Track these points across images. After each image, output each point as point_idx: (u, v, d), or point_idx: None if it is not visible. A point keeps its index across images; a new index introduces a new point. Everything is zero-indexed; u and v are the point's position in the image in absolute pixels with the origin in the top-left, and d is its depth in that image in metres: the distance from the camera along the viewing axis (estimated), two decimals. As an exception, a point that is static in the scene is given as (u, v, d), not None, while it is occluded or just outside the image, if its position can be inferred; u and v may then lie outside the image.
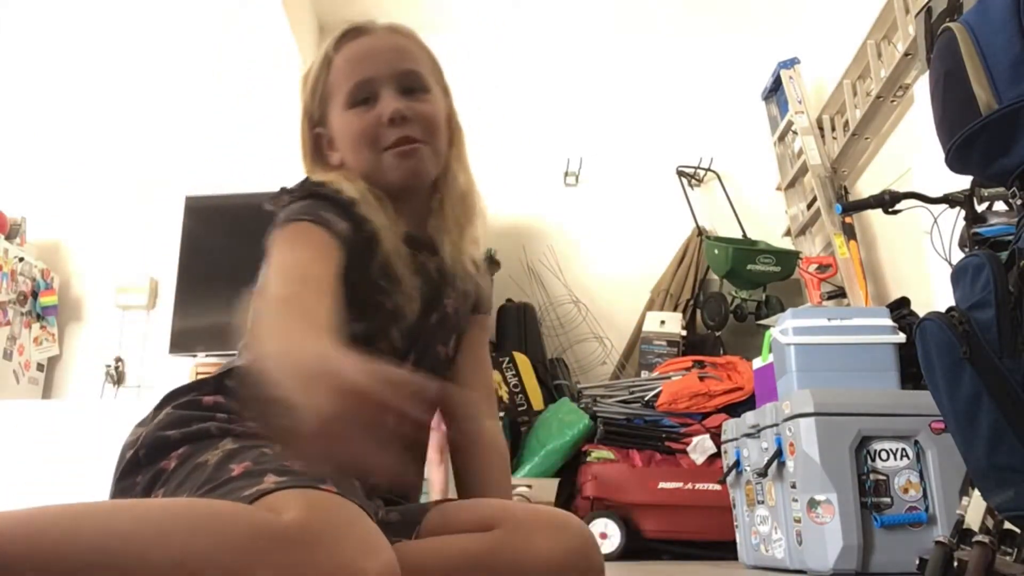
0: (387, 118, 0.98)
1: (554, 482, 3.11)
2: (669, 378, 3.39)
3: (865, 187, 3.74)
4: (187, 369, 3.64)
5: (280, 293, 0.79)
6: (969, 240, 1.59)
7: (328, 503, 0.69)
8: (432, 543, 0.88)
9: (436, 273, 1.04)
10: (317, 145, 1.06)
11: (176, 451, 0.84)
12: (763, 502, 2.46)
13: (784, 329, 2.42)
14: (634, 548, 3.02)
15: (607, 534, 3.00)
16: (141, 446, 0.87)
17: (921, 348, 1.24)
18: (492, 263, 1.17)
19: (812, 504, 2.14)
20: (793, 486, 2.22)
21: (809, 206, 4.01)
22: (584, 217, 4.41)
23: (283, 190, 0.99)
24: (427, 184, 1.05)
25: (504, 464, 1.09)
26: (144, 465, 0.86)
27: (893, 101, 3.36)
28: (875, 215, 3.29)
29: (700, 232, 4.24)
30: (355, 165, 1.02)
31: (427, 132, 1.01)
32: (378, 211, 0.96)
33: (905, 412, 2.19)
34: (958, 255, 1.60)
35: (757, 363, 2.75)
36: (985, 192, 1.63)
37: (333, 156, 1.05)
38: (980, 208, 1.64)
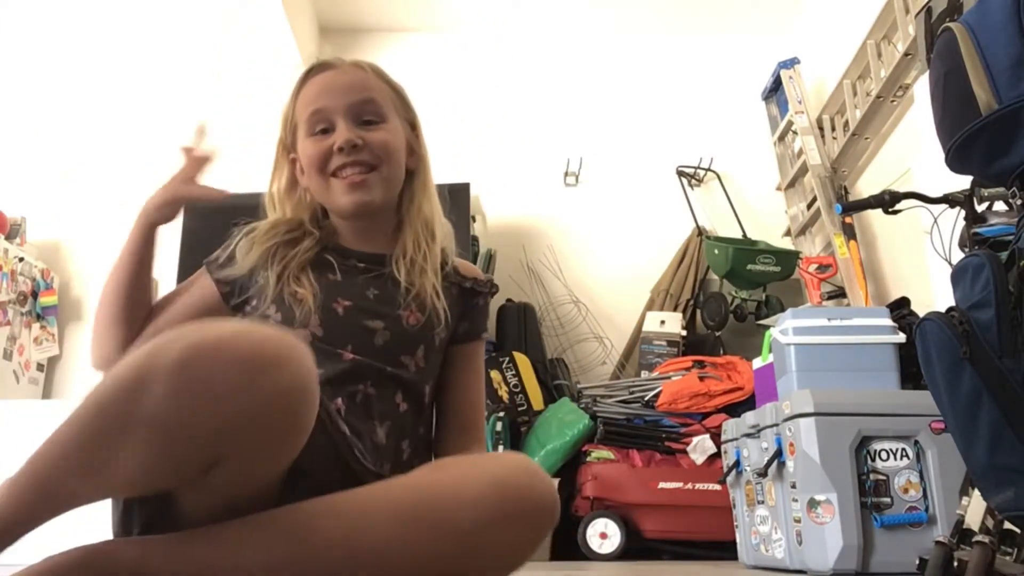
0: (337, 146, 1.08)
1: (554, 482, 3.11)
2: (669, 378, 3.39)
3: (865, 187, 3.74)
4: (187, 369, 3.64)
5: None
6: (969, 240, 1.59)
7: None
8: (383, 482, 0.90)
9: (386, 284, 1.10)
10: (293, 170, 1.17)
11: None
12: (763, 502, 2.46)
13: (784, 329, 2.42)
14: (634, 548, 3.02)
15: (607, 534, 3.01)
16: None
17: (921, 348, 1.24)
18: (488, 286, 1.18)
19: (812, 504, 2.14)
20: (793, 486, 2.22)
21: (809, 206, 4.01)
22: (584, 217, 4.41)
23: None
24: (378, 210, 1.13)
25: None
26: None
27: (893, 101, 3.36)
28: (875, 215, 3.29)
29: (700, 232, 4.24)
30: (312, 189, 1.14)
31: (378, 158, 1.10)
32: (271, 240, 1.11)
33: (905, 412, 2.18)
34: (958, 255, 1.60)
35: (757, 363, 2.75)
36: (985, 192, 1.63)
37: (303, 179, 1.16)
38: (980, 208, 1.64)
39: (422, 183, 1.18)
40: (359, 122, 1.10)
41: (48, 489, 0.73)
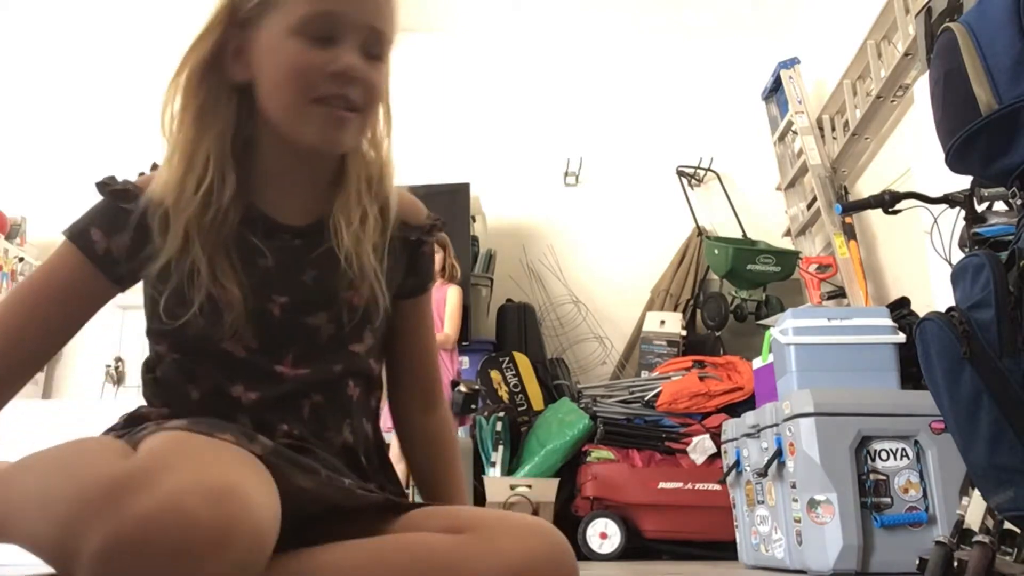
0: (336, 69, 0.84)
1: (554, 482, 3.11)
2: (669, 378, 3.39)
3: (865, 187, 3.74)
4: (187, 369, 3.65)
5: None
6: (969, 240, 1.59)
7: (175, 440, 0.69)
8: (396, 537, 0.85)
9: (324, 260, 0.91)
10: (220, 49, 0.86)
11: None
12: (763, 502, 2.46)
13: (784, 329, 2.42)
14: (634, 548, 3.03)
15: (607, 534, 3.01)
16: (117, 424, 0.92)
17: (921, 348, 1.24)
18: (431, 231, 1.02)
19: (812, 504, 2.13)
20: (793, 486, 2.22)
21: (809, 206, 4.02)
22: (584, 217, 4.42)
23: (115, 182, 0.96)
24: (340, 153, 0.93)
25: (447, 455, 1.04)
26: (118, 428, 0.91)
27: (893, 101, 3.36)
28: (875, 215, 3.29)
29: (700, 232, 4.25)
30: (269, 102, 0.87)
31: (367, 101, 0.89)
32: (190, 205, 0.86)
33: (905, 412, 2.19)
34: (958, 255, 1.60)
35: (757, 363, 2.75)
36: (985, 192, 1.63)
37: (237, 70, 0.87)
38: (980, 208, 1.64)
39: (388, 133, 0.97)
40: (365, 50, 0.87)
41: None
